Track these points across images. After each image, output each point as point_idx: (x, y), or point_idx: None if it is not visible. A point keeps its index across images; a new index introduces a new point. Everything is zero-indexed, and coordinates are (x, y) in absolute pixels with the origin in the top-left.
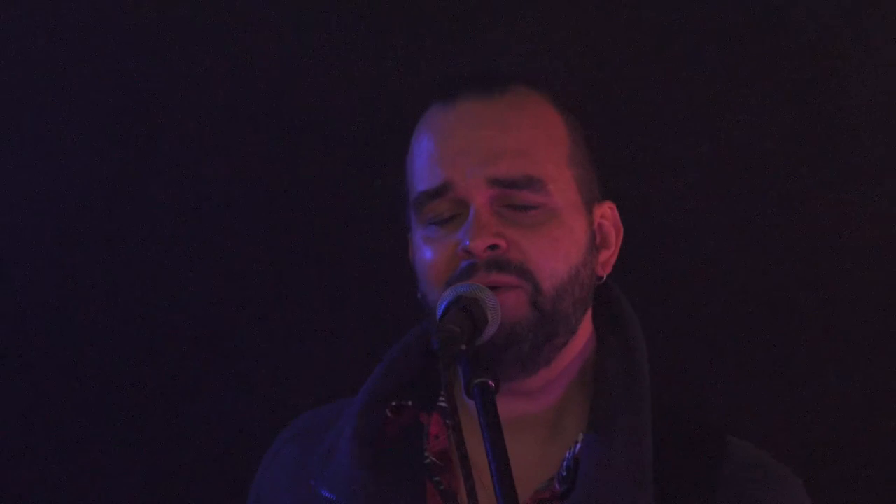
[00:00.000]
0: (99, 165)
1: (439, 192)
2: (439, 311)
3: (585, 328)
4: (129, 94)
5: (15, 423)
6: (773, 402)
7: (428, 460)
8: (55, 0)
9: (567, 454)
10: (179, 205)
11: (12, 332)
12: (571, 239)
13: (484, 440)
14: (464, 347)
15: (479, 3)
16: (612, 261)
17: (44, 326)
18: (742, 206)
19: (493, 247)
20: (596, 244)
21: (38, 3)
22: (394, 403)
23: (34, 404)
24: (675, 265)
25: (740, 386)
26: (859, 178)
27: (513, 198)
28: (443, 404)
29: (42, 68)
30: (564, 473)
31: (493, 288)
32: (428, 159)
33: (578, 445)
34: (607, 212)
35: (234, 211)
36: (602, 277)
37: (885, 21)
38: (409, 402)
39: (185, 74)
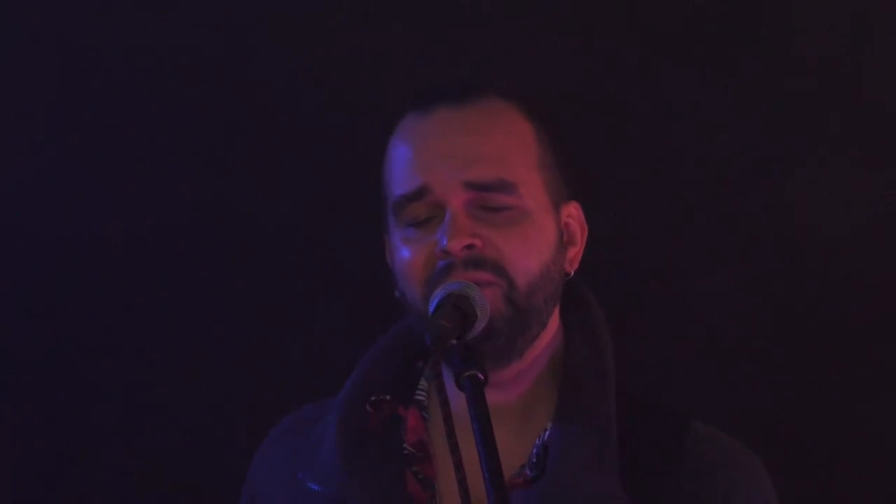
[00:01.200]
0: (96, 164)
1: (417, 195)
2: (431, 308)
3: (554, 322)
4: (126, 95)
5: (15, 423)
6: (738, 391)
7: (406, 451)
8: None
9: (537, 441)
10: (179, 206)
11: (13, 332)
12: (542, 238)
13: (474, 431)
14: (455, 342)
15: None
16: (579, 257)
17: (43, 323)
18: (702, 200)
19: (469, 246)
20: (563, 242)
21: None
22: (373, 398)
23: (34, 402)
24: (640, 260)
25: (706, 375)
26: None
27: (487, 200)
28: (419, 398)
29: (42, 70)
30: (535, 460)
31: None
32: (406, 164)
33: (547, 433)
34: (573, 211)
35: (234, 213)
36: (569, 273)
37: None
38: (388, 397)
39: (184, 75)
